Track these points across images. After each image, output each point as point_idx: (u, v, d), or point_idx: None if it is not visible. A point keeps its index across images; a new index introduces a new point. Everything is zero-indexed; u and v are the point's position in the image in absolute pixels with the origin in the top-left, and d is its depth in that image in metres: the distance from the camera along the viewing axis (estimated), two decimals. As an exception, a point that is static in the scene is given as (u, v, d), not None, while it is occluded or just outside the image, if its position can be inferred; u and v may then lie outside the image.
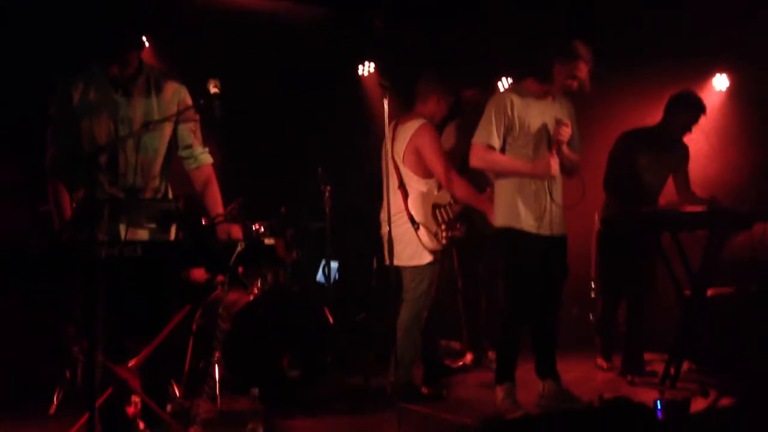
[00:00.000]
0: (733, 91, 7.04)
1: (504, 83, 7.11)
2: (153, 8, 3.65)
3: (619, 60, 6.20)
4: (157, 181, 3.73)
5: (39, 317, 4.16)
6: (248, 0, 6.35)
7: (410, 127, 4.99)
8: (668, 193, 5.63)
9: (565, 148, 4.55)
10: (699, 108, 5.38)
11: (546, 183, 4.55)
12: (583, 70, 4.49)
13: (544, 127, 4.54)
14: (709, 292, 5.22)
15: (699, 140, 5.92)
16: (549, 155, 4.48)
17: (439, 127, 5.23)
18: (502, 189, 4.62)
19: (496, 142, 4.52)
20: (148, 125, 3.55)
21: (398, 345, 4.83)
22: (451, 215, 4.98)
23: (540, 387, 4.65)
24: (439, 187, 5.02)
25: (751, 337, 5.11)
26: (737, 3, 6.12)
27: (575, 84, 4.50)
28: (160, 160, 3.72)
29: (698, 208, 5.17)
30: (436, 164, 4.92)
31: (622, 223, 5.18)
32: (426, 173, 4.97)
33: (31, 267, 3.19)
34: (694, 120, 5.39)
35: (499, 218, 4.61)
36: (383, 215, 4.89)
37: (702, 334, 5.08)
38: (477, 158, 4.59)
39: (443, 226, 4.91)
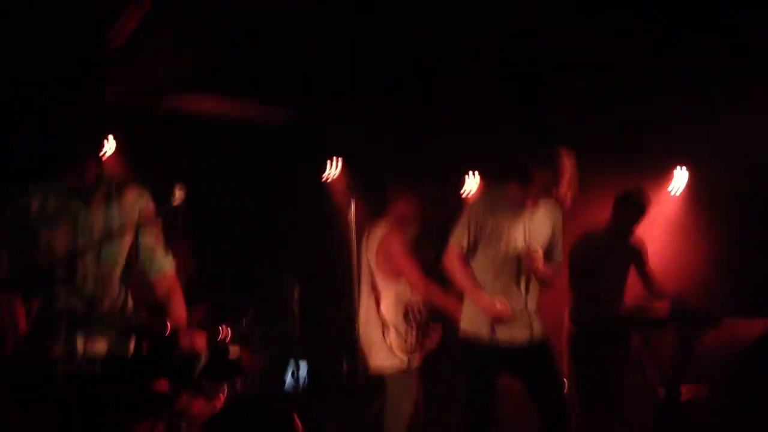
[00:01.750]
0: (693, 186, 7.10)
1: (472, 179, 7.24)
2: (112, 118, 3.64)
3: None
4: (117, 291, 3.61)
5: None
6: (212, 104, 6.37)
7: (380, 230, 4.99)
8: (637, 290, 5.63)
9: (538, 271, 4.24)
10: (640, 205, 5.45)
11: (521, 285, 4.30)
12: (563, 179, 4.14)
13: (518, 241, 4.27)
14: (683, 390, 5.17)
15: (660, 236, 5.94)
16: (504, 300, 4.19)
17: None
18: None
19: (468, 245, 4.30)
20: (109, 234, 3.48)
21: None
22: (422, 317, 4.92)
23: None
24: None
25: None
26: (693, 99, 6.25)
27: (555, 192, 4.16)
28: (120, 270, 3.61)
29: (664, 306, 5.14)
30: (404, 266, 4.88)
31: (591, 324, 5.15)
32: (397, 275, 4.93)
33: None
34: (637, 217, 5.44)
35: (461, 324, 4.38)
36: (356, 317, 4.86)
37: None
38: (450, 262, 4.35)
39: (414, 330, 4.85)
